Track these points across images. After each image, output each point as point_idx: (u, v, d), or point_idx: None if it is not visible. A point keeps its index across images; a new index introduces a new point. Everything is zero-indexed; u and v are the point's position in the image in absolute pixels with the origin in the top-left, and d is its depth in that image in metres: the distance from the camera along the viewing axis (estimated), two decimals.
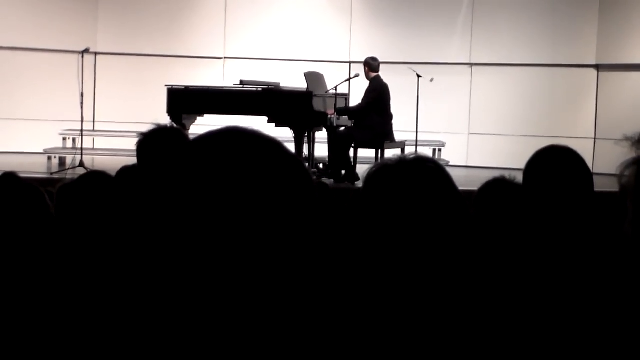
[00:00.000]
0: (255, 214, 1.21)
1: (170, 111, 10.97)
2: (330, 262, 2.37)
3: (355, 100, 11.55)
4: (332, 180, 10.89)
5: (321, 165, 11.47)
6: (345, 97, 11.72)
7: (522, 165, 3.22)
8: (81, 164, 11.20)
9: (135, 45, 14.60)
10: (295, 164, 1.26)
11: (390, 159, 1.87)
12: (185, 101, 11.03)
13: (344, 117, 11.19)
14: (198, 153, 1.26)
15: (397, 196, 1.78)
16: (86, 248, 3.27)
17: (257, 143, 1.27)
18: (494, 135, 14.13)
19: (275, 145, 1.27)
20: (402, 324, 1.70)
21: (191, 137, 2.20)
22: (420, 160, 1.86)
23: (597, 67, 13.85)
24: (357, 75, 11.52)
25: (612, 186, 2.34)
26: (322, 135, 11.62)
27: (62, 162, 12.43)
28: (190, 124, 11.03)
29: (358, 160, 10.97)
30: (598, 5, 13.78)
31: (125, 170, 3.90)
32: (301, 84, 11.13)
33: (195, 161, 1.25)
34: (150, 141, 3.65)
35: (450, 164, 12.45)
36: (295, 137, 10.44)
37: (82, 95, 11.61)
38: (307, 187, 1.26)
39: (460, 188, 1.86)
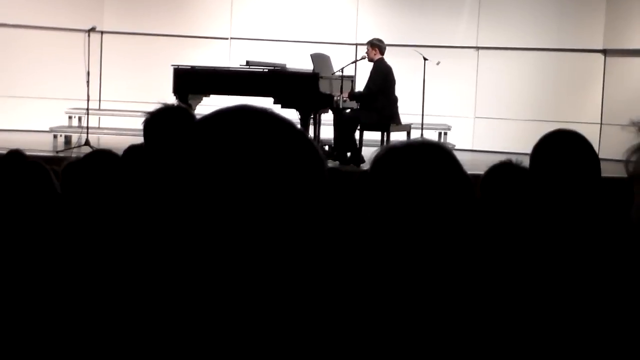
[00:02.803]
0: (264, 194, 1.21)
1: (177, 91, 10.97)
2: (338, 246, 2.37)
3: (361, 82, 11.52)
4: (337, 163, 10.89)
5: (327, 148, 11.47)
6: (352, 79, 11.70)
7: (527, 149, 3.22)
8: (87, 143, 11.20)
9: (142, 24, 14.57)
10: (306, 144, 1.25)
11: (397, 142, 1.87)
12: (192, 81, 11.01)
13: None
14: (207, 131, 1.25)
15: (404, 179, 1.78)
16: (92, 227, 3.27)
17: (267, 122, 1.26)
18: (500, 119, 14.09)
19: (285, 124, 1.26)
20: (409, 308, 1.70)
21: (197, 117, 2.20)
22: (427, 144, 1.85)
23: (604, 52, 13.80)
24: (363, 58, 11.50)
25: (619, 171, 2.34)
26: (328, 117, 11.61)
27: (67, 140, 12.43)
28: (196, 104, 11.02)
29: (364, 142, 10.96)
30: None
31: (132, 149, 3.90)
32: (307, 66, 11.11)
33: (203, 140, 1.24)
34: (156, 120, 3.65)
35: (456, 147, 12.41)
36: (301, 119, 10.43)
37: (88, 74, 11.59)
38: (318, 167, 1.25)
39: (467, 172, 1.85)
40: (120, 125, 12.87)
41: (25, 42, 13.92)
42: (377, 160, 1.83)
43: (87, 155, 3.65)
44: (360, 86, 11.59)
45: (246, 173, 1.20)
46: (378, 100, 10.95)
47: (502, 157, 3.94)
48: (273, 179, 1.21)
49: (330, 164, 10.67)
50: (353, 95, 11.13)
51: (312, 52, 11.41)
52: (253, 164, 1.21)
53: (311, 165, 1.25)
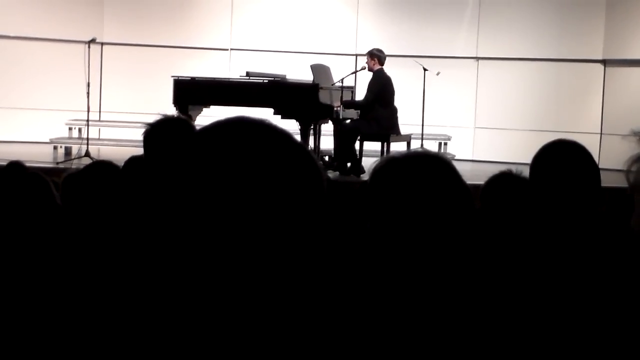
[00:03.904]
0: (262, 206, 1.21)
1: (177, 102, 10.97)
2: (336, 255, 2.37)
3: (361, 92, 11.54)
4: (337, 173, 10.89)
5: (327, 158, 11.47)
6: (352, 89, 11.71)
7: (527, 159, 3.21)
8: (87, 154, 11.20)
9: (142, 35, 14.59)
10: (304, 156, 1.25)
11: (396, 153, 1.87)
12: (192, 92, 11.02)
13: (350, 109, 11.19)
14: (205, 143, 1.25)
15: (403, 190, 1.78)
16: (92, 238, 3.27)
17: (266, 133, 1.26)
18: (500, 129, 14.11)
19: (284, 136, 1.26)
20: (410, 317, 1.70)
21: (197, 128, 2.19)
22: (426, 154, 1.85)
23: (604, 62, 13.82)
24: (363, 68, 11.52)
25: (619, 181, 2.34)
26: (328, 127, 11.62)
27: (67, 151, 12.43)
28: (196, 115, 11.03)
29: (364, 153, 10.96)
30: (605, 0, 13.76)
31: (132, 160, 3.90)
32: (307, 76, 11.12)
33: (202, 152, 1.24)
34: (157, 132, 3.65)
35: (456, 157, 12.43)
36: (301, 130, 10.43)
37: (88, 85, 11.60)
38: (316, 179, 1.25)
39: (467, 182, 1.85)
40: (120, 137, 12.87)
41: (25, 54, 13.94)
42: (377, 171, 1.83)
43: (87, 167, 3.65)
44: (359, 96, 11.61)
45: (244, 184, 1.20)
46: (378, 111, 10.96)
47: (502, 167, 3.95)
48: (271, 191, 1.21)
49: (331, 174, 10.67)
50: (348, 104, 11.13)
51: (312, 63, 11.42)
52: (251, 175, 1.21)
53: (309, 177, 1.25)
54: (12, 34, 13.81)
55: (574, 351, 2.19)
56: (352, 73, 11.77)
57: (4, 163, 5.16)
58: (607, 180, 3.38)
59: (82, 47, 11.84)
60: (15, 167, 4.92)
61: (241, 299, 1.23)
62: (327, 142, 11.61)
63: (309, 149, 1.30)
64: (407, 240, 1.75)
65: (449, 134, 13.81)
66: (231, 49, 14.90)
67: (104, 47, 14.57)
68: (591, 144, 3.13)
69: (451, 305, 1.72)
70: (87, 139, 11.65)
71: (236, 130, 1.26)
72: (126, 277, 2.57)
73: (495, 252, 2.77)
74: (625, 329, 2.23)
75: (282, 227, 1.22)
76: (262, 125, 1.27)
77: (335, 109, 10.83)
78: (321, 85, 10.77)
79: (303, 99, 10.55)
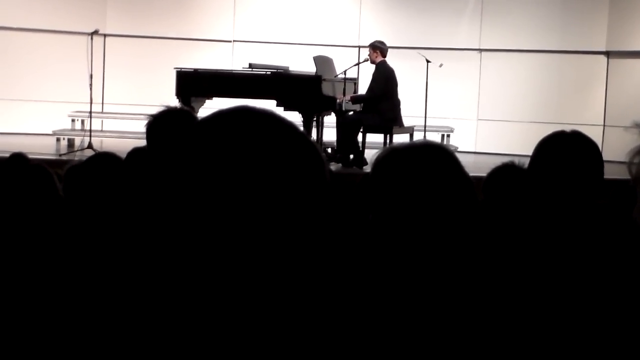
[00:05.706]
0: (265, 196, 1.21)
1: (179, 94, 10.97)
2: (338, 246, 2.37)
3: (364, 84, 11.54)
4: (340, 165, 10.90)
5: (329, 150, 11.47)
6: (354, 81, 11.71)
7: (530, 151, 3.20)
8: (90, 146, 11.20)
9: (145, 27, 14.58)
10: (308, 146, 1.25)
11: (399, 144, 1.87)
12: (194, 84, 11.02)
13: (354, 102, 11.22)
14: (208, 132, 1.25)
15: (406, 181, 1.78)
16: (94, 230, 3.27)
17: (269, 123, 1.25)
18: (503, 121, 14.10)
19: (287, 126, 1.26)
20: (412, 309, 1.70)
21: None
22: (429, 145, 1.85)
23: (607, 53, 13.80)
24: (366, 60, 11.52)
25: (622, 173, 2.33)
26: (330, 119, 11.62)
27: (70, 143, 12.43)
28: (199, 107, 11.03)
29: (366, 144, 10.97)
30: None
31: (135, 152, 3.90)
32: (310, 68, 11.11)
33: (204, 141, 1.24)
34: (159, 123, 3.64)
35: (459, 149, 12.42)
36: (303, 121, 10.44)
37: (91, 77, 11.59)
38: (320, 169, 1.25)
39: (469, 174, 1.85)
40: (123, 128, 12.86)
41: (28, 45, 13.94)
42: (379, 161, 1.83)
43: (90, 158, 3.65)
44: (362, 88, 11.61)
45: (247, 174, 1.20)
46: (381, 103, 10.97)
47: (505, 159, 3.95)
48: (274, 180, 1.21)
49: (333, 166, 10.67)
50: (356, 99, 11.16)
51: (315, 55, 11.41)
52: (254, 165, 1.21)
53: (312, 167, 1.24)
54: (14, 26, 13.80)
55: (577, 343, 2.19)
56: (355, 65, 11.77)
57: (7, 155, 5.16)
58: (610, 172, 3.37)
59: (85, 39, 11.82)
60: (18, 158, 4.92)
61: (242, 289, 1.23)
62: (329, 134, 11.61)
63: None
64: (409, 232, 1.76)
65: (451, 126, 13.81)
66: (234, 41, 14.89)
67: (107, 38, 14.56)
68: (594, 136, 3.10)
69: (453, 296, 1.72)
70: (90, 130, 11.65)
71: (239, 120, 1.25)
72: (128, 269, 2.57)
73: (498, 244, 2.77)
74: (628, 321, 2.23)
75: (285, 217, 1.22)
76: (265, 115, 1.26)
77: (338, 100, 10.83)
78: (324, 77, 10.77)
79: (306, 90, 10.55)
